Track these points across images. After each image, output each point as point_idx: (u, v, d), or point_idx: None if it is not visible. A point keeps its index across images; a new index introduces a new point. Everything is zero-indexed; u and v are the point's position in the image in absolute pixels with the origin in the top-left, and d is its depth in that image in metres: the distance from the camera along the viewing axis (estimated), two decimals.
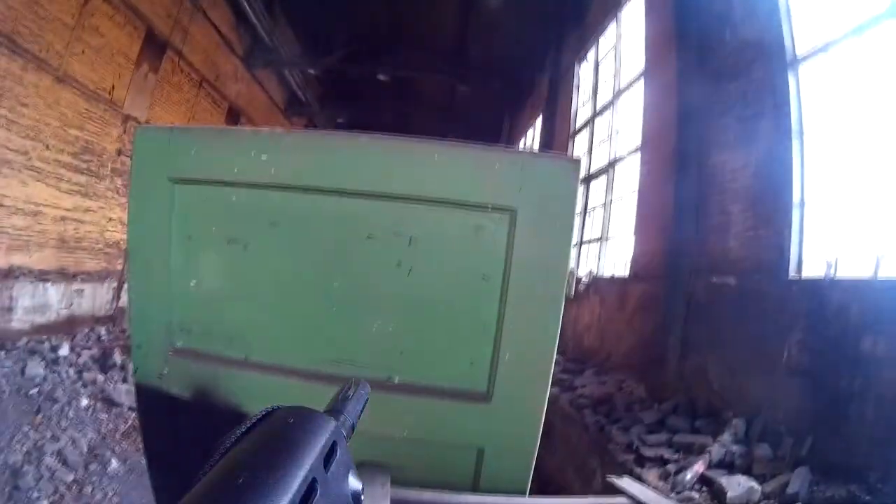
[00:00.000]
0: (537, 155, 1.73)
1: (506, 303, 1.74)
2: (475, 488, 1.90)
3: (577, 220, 10.55)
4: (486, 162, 1.75)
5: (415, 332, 1.85)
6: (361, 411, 0.76)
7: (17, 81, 7.50)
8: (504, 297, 1.74)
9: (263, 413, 0.59)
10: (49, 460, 5.29)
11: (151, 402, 2.16)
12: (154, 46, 10.35)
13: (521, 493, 1.90)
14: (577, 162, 1.72)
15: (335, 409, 0.71)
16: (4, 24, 7.09)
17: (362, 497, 0.58)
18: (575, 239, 10.48)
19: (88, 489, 5.21)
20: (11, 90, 7.43)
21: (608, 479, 2.00)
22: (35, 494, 4.79)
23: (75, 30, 8.37)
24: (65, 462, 5.39)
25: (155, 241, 1.98)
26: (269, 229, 1.90)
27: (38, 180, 8.18)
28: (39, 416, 5.90)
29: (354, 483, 0.58)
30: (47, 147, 8.21)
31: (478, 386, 1.82)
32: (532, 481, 1.95)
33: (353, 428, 0.70)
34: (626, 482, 1.92)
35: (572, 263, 1.99)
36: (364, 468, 1.82)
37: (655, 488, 1.91)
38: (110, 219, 9.74)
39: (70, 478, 5.22)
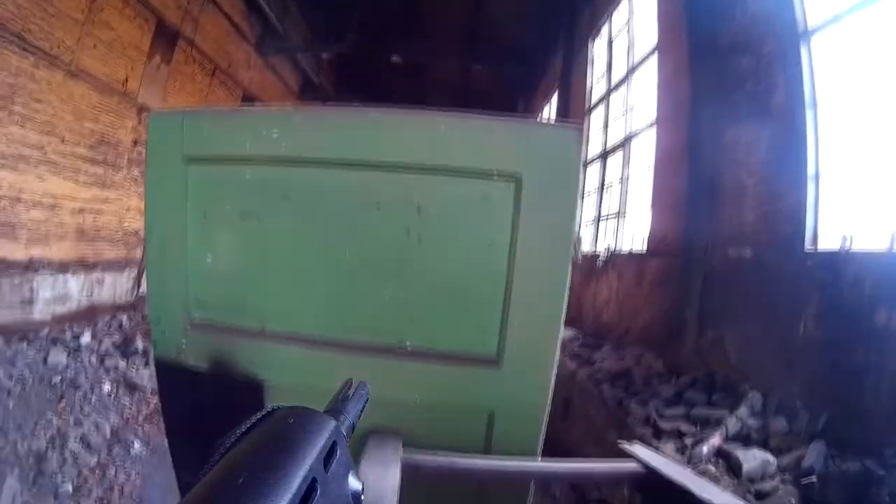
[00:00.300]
0: (541, 123, 1.76)
1: (513, 269, 1.77)
2: (486, 452, 1.94)
3: (595, 197, 10.54)
4: (490, 131, 1.78)
5: (425, 299, 1.88)
6: (361, 411, 0.77)
7: (30, 78, 7.59)
8: (511, 262, 1.77)
9: (263, 413, 0.60)
10: (73, 445, 5.41)
11: (171, 376, 2.22)
12: (165, 37, 10.38)
13: (532, 456, 1.94)
14: (580, 129, 1.74)
15: (335, 409, 0.72)
16: (14, 22, 7.15)
17: (362, 497, 0.59)
18: (591, 213, 10.50)
19: (112, 471, 5.33)
20: (24, 87, 7.51)
21: (619, 444, 2.02)
22: (59, 478, 4.91)
23: (85, 25, 8.42)
24: (88, 446, 5.51)
25: (171, 219, 2.06)
26: (281, 203, 1.95)
27: (55, 174, 8.28)
28: (63, 402, 6.03)
29: (354, 483, 0.58)
30: (63, 141, 8.31)
31: (488, 351, 1.85)
32: (551, 454, 1.99)
33: (353, 428, 0.71)
34: (636, 448, 1.95)
35: (578, 230, 2.00)
36: (376, 433, 1.87)
37: (665, 454, 1.93)
38: (128, 208, 9.84)
39: (93, 461, 5.35)
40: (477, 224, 1.81)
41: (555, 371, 1.86)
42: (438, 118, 1.80)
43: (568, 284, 1.79)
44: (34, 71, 7.65)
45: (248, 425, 0.58)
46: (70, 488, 4.89)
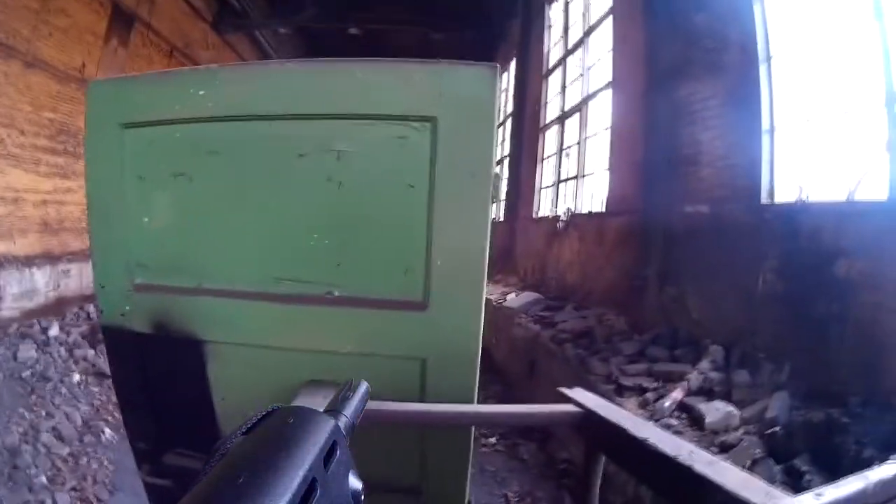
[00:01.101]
0: (455, 63, 1.75)
1: (433, 210, 1.78)
2: (422, 400, 1.95)
3: (554, 160, 10.57)
4: (405, 75, 1.78)
5: (350, 245, 1.89)
6: (361, 411, 0.76)
7: None
8: (431, 204, 1.78)
9: (263, 413, 0.59)
10: (45, 437, 5.38)
11: (117, 342, 2.24)
12: (122, 20, 10.15)
13: (469, 402, 1.95)
14: (495, 68, 1.74)
15: (335, 409, 0.71)
16: None
17: (363, 497, 0.58)
18: (551, 177, 10.50)
19: (84, 460, 5.31)
20: None
21: (558, 389, 2.04)
22: (33, 471, 4.88)
23: (41, 13, 8.21)
24: (60, 437, 5.48)
25: (110, 185, 2.08)
26: (209, 159, 1.96)
27: (16, 167, 8.12)
28: (33, 396, 5.98)
29: (355, 483, 0.57)
30: (22, 133, 8.14)
31: (414, 295, 1.86)
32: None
33: (353, 427, 0.70)
34: (576, 392, 1.96)
35: (496, 169, 1.98)
36: (312, 385, 1.88)
37: (602, 396, 1.95)
38: None
39: (66, 451, 5.32)
40: (396, 168, 1.81)
41: (482, 315, 1.87)
42: (354, 66, 1.79)
43: (489, 224, 1.80)
44: None
45: (248, 425, 0.58)
46: (45, 479, 4.87)
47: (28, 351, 6.77)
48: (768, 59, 4.91)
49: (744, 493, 1.14)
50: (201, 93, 1.90)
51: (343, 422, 0.67)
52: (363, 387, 0.81)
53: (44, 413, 5.77)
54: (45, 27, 8.35)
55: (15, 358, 6.59)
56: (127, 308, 2.13)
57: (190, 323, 2.06)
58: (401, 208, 1.83)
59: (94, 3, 9.37)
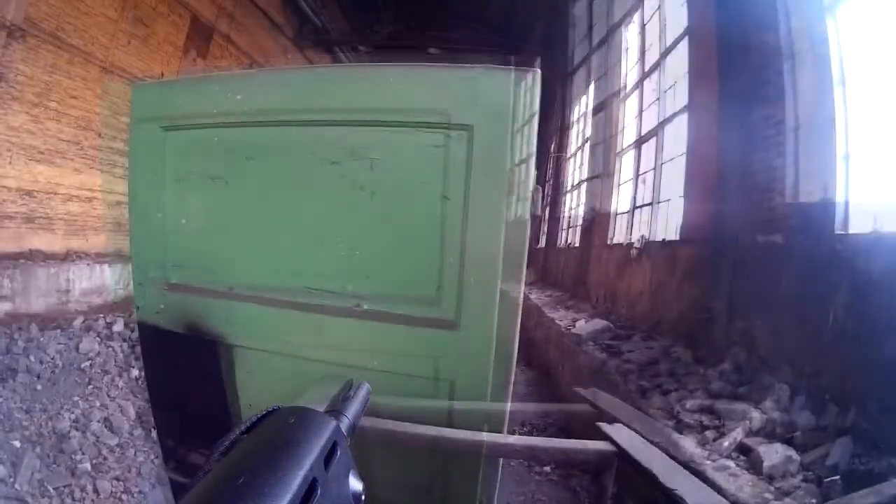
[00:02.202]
0: (492, 68, 1.64)
1: (467, 224, 1.68)
2: (450, 423, 1.84)
3: (630, 185, 10.31)
4: (440, 80, 1.70)
5: (380, 258, 1.82)
6: (362, 411, 0.76)
7: (65, 75, 7.87)
8: (465, 217, 1.68)
9: (264, 413, 0.59)
10: (95, 426, 5.54)
11: (151, 340, 2.27)
12: (200, 32, 10.59)
13: (498, 431, 1.84)
14: (536, 72, 1.63)
15: (336, 410, 0.71)
16: (48, 21, 7.42)
17: (363, 497, 0.58)
18: (627, 202, 10.27)
19: (131, 452, 5.43)
20: (59, 84, 7.79)
21: (597, 424, 1.91)
22: (78, 457, 5.03)
23: (119, 22, 8.68)
24: (110, 428, 5.64)
25: (150, 186, 2.11)
26: (245, 164, 1.95)
27: (92, 168, 8.55)
28: (90, 387, 6.19)
29: (355, 483, 0.57)
30: (99, 135, 8.56)
31: (445, 313, 1.76)
32: None
33: (353, 428, 0.70)
34: (615, 429, 1.84)
35: (535, 180, 1.86)
36: (313, 385, 1.82)
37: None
38: None
39: (114, 442, 5.46)
40: (430, 178, 1.72)
41: (517, 337, 1.75)
42: (388, 70, 1.73)
43: (527, 241, 1.68)
44: (69, 68, 7.92)
45: (249, 425, 0.57)
46: (89, 466, 5.01)
47: (90, 343, 7.02)
48: (843, 81, 4.62)
49: None
50: (238, 97, 1.90)
51: (344, 422, 0.67)
52: (364, 388, 0.80)
53: (98, 404, 5.95)
54: (123, 36, 8.81)
55: (77, 349, 6.85)
56: (161, 306, 2.15)
57: (220, 326, 2.05)
58: (434, 221, 1.73)
59: (173, 15, 9.80)
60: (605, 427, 1.84)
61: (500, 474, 1.94)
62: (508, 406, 1.83)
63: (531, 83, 1.63)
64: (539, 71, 1.61)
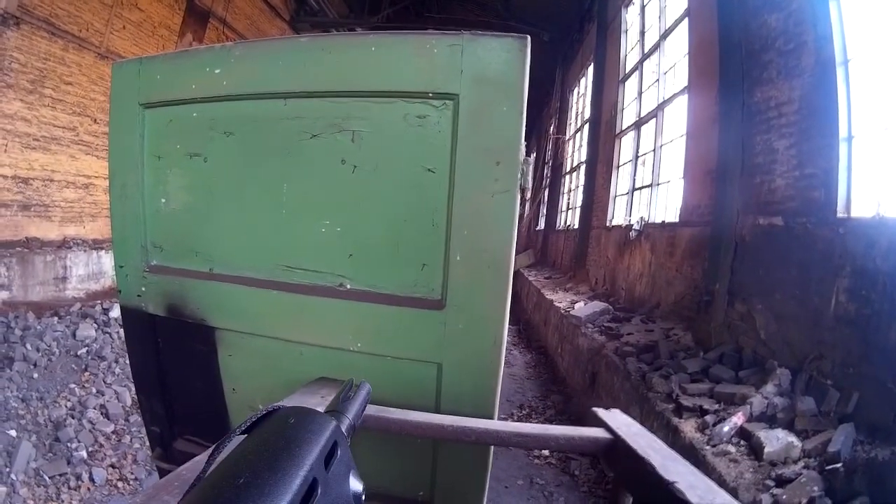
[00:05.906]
0: (479, 34, 1.56)
1: (453, 198, 1.60)
2: (437, 407, 1.78)
3: (630, 167, 10.22)
4: (423, 48, 1.61)
5: (363, 235, 1.75)
6: (362, 411, 0.76)
7: (60, 62, 7.80)
8: (451, 192, 1.60)
9: (264, 413, 0.58)
10: (92, 413, 5.54)
11: (134, 323, 2.21)
12: (196, 16, 10.50)
13: (488, 416, 1.76)
14: (525, 39, 1.53)
15: (336, 410, 0.71)
16: (42, 7, 7.34)
17: (363, 497, 0.58)
18: (626, 184, 10.18)
19: (127, 439, 5.42)
20: (54, 70, 7.73)
21: (592, 410, 1.84)
22: (74, 445, 5.02)
23: (114, 7, 8.59)
24: (106, 415, 5.63)
25: (130, 165, 2.05)
26: (224, 139, 1.89)
27: (88, 153, 8.50)
28: (87, 373, 6.17)
29: (355, 483, 0.57)
30: (95, 121, 8.49)
31: (431, 292, 1.70)
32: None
33: (353, 428, 0.70)
34: (611, 414, 1.76)
35: (524, 152, 1.77)
36: (312, 384, 1.76)
37: (641, 424, 1.70)
38: None
39: (110, 429, 5.45)
40: (414, 151, 1.65)
41: (507, 318, 1.67)
42: (369, 38, 1.65)
43: (516, 216, 1.60)
44: (64, 54, 7.86)
45: (249, 424, 0.57)
46: (84, 454, 4.99)
47: (87, 330, 7.03)
48: (846, 62, 4.53)
49: None
50: (217, 71, 1.84)
51: (344, 422, 0.68)
52: (365, 388, 0.81)
53: (94, 390, 5.96)
54: (118, 21, 8.73)
55: (74, 336, 6.85)
56: (143, 289, 2.10)
57: (201, 308, 1.99)
58: (418, 196, 1.66)
59: None
60: (601, 413, 1.77)
61: (490, 461, 1.88)
62: (499, 390, 1.77)
63: (520, 50, 1.54)
64: (528, 38, 1.53)
